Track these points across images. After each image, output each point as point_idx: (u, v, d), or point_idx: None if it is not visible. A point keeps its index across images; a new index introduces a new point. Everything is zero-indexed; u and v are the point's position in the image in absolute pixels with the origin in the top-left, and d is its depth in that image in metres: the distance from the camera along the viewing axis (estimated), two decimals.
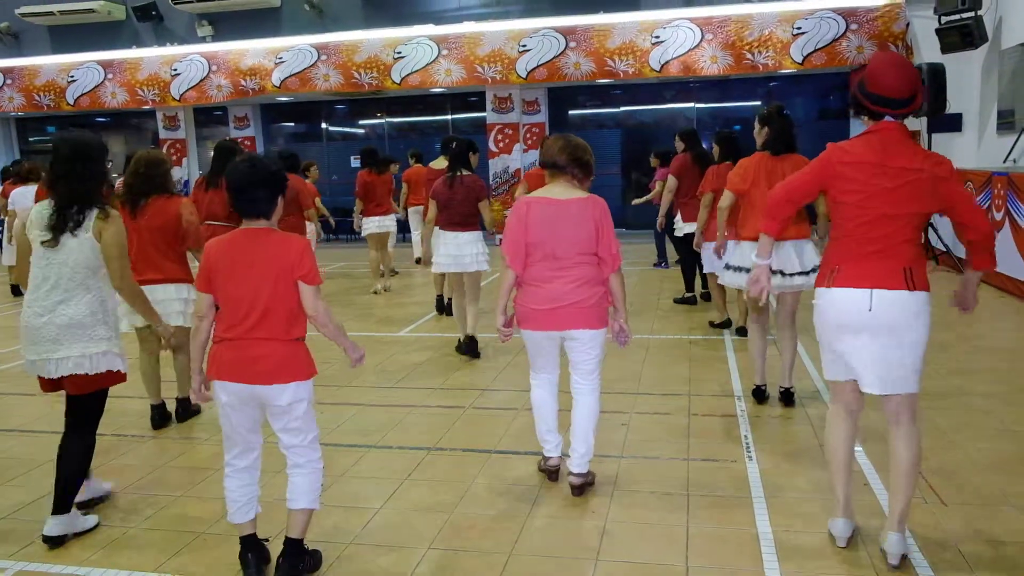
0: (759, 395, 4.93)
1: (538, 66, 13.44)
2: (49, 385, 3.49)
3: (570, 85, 14.79)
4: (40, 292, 3.41)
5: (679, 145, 8.21)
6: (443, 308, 8.20)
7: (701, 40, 12.76)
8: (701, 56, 12.80)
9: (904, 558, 2.96)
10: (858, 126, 13.21)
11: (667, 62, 12.94)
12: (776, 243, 3.73)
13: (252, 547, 3.03)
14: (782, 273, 4.57)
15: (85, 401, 3.51)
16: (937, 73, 9.67)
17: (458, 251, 6.47)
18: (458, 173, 6.41)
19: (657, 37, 12.97)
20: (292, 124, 18.43)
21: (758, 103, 15.75)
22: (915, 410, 2.97)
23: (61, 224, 3.38)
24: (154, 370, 4.98)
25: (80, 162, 3.43)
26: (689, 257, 8.04)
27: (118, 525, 3.57)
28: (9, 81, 15.48)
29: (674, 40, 12.88)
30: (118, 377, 3.54)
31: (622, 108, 16.44)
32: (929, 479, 3.66)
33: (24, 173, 9.64)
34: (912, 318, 2.88)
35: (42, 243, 3.39)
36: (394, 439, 4.54)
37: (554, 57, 13.33)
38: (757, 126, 4.94)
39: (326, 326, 2.98)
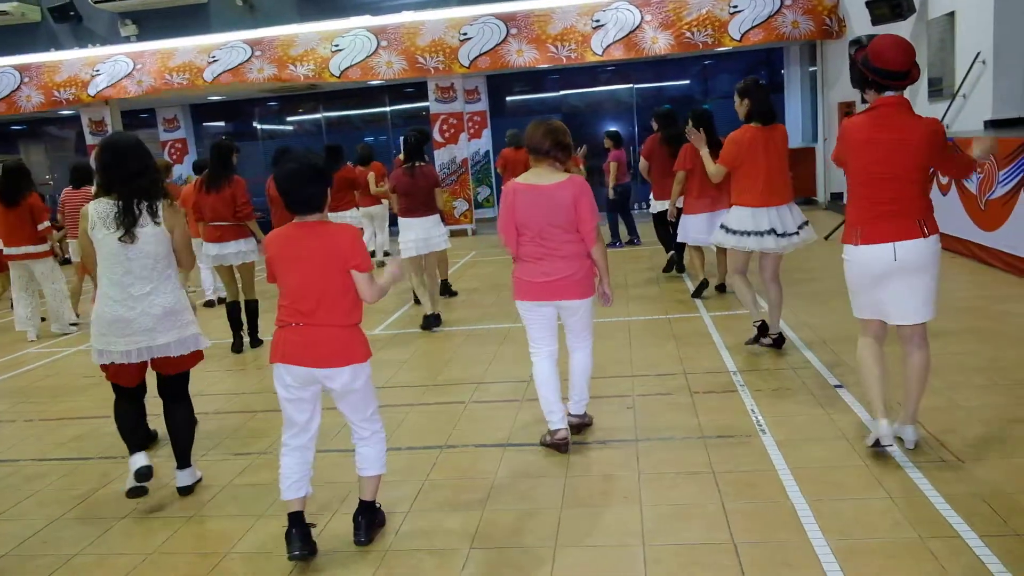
0: (764, 330, 5.49)
1: (480, 54, 13.35)
2: (133, 375, 3.83)
3: (508, 72, 14.78)
4: (124, 286, 3.67)
5: (654, 125, 8.57)
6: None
7: (641, 21, 12.87)
8: (642, 38, 12.91)
9: (917, 444, 3.68)
10: (791, 101, 13.52)
11: (609, 45, 13.01)
12: (777, 208, 5.21)
13: (298, 524, 3.19)
14: (776, 232, 5.19)
15: (176, 380, 3.91)
16: None
17: (425, 234, 7.07)
18: (416, 163, 7.02)
19: (597, 21, 13.03)
20: (223, 123, 17.94)
21: (692, 82, 16.04)
22: (926, 332, 3.62)
23: (131, 219, 3.63)
24: None
25: (134, 160, 3.70)
26: (664, 230, 8.60)
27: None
28: None
29: (615, 22, 12.96)
30: (201, 355, 3.97)
31: (561, 92, 16.49)
32: (942, 439, 3.79)
33: None
34: (929, 258, 3.49)
35: (119, 240, 3.62)
36: (402, 440, 4.47)
37: (497, 45, 13.27)
38: (737, 99, 5.33)
39: (378, 298, 3.25)
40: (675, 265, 8.70)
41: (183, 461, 3.96)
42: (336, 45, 13.58)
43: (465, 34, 13.34)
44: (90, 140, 15.47)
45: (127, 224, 3.63)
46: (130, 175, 3.67)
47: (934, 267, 3.50)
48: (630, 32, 12.90)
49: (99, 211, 3.68)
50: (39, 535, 3.65)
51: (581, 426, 4.32)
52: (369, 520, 3.31)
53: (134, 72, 14.25)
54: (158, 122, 16.88)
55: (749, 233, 5.22)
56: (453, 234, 14.24)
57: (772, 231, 5.18)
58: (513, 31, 13.22)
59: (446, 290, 8.58)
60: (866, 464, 3.61)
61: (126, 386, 3.91)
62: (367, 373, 3.22)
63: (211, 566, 3.23)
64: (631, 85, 16.21)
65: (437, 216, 7.21)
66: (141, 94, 14.33)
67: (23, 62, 14.64)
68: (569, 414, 4.23)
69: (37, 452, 4.79)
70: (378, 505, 3.39)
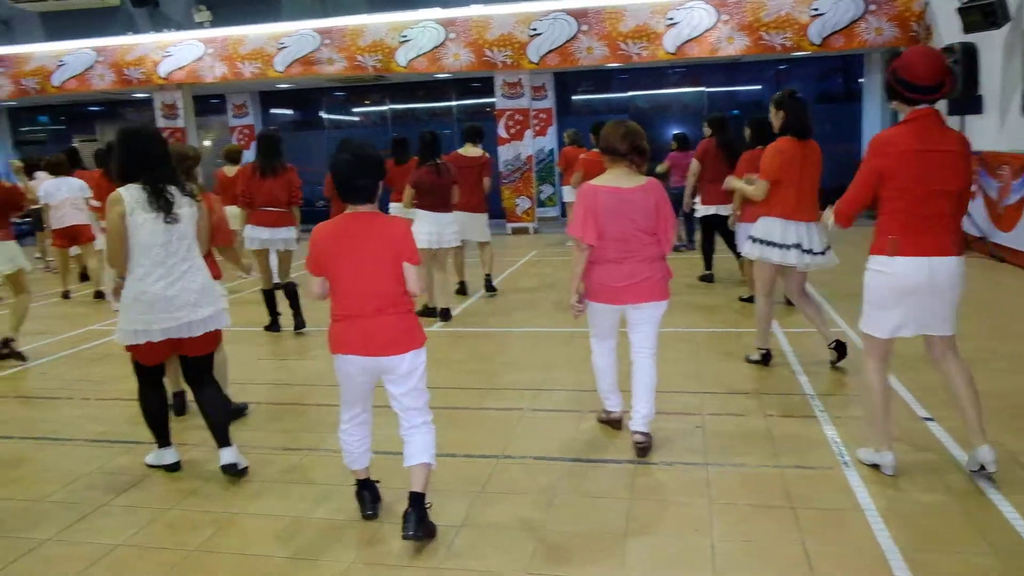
0: (767, 359, 5.46)
1: (550, 51, 13.13)
2: (161, 352, 3.91)
3: (577, 70, 14.52)
4: (166, 266, 3.78)
5: (706, 131, 8.60)
6: (465, 291, 8.61)
7: (717, 21, 12.47)
8: (717, 37, 12.52)
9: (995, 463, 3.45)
10: (870, 111, 13.07)
11: (682, 44, 12.66)
12: (807, 224, 5.12)
13: (367, 487, 3.47)
14: (801, 248, 5.09)
15: (201, 360, 4.03)
16: (970, 52, 9.47)
17: (440, 229, 7.26)
18: (438, 161, 7.24)
19: (671, 19, 12.68)
20: (291, 112, 18.06)
21: (765, 86, 15.54)
22: (955, 344, 3.58)
23: (167, 203, 3.75)
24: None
25: (156, 147, 3.85)
26: (709, 237, 8.58)
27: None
28: (1, 69, 15.02)
29: (689, 21, 12.59)
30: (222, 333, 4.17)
31: (628, 93, 16.17)
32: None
33: (52, 165, 9.38)
34: (958, 277, 3.46)
35: (165, 221, 3.74)
36: (457, 446, 4.27)
37: (566, 41, 13.03)
38: (772, 110, 5.26)
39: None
40: (708, 279, 8.67)
41: (223, 440, 4.01)
42: (404, 36, 13.50)
43: (535, 29, 13.12)
44: (161, 124, 15.68)
45: (166, 207, 3.76)
46: (156, 161, 3.81)
47: (961, 286, 3.48)
48: (705, 31, 12.52)
49: (133, 197, 3.73)
50: (83, 522, 3.55)
51: (647, 447, 4.06)
52: (420, 513, 3.22)
53: (205, 57, 14.39)
54: (228, 108, 17.05)
55: (774, 244, 5.14)
56: (515, 231, 14.28)
57: (797, 246, 5.08)
58: (584, 28, 12.96)
59: (462, 289, 8.53)
60: (965, 509, 3.29)
61: (151, 365, 4.01)
62: (424, 360, 3.28)
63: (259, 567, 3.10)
64: (701, 88, 15.79)
65: (455, 214, 7.44)
66: (213, 80, 14.46)
67: (100, 45, 14.91)
68: (635, 432, 4.09)
69: (91, 432, 4.73)
70: (428, 505, 3.29)
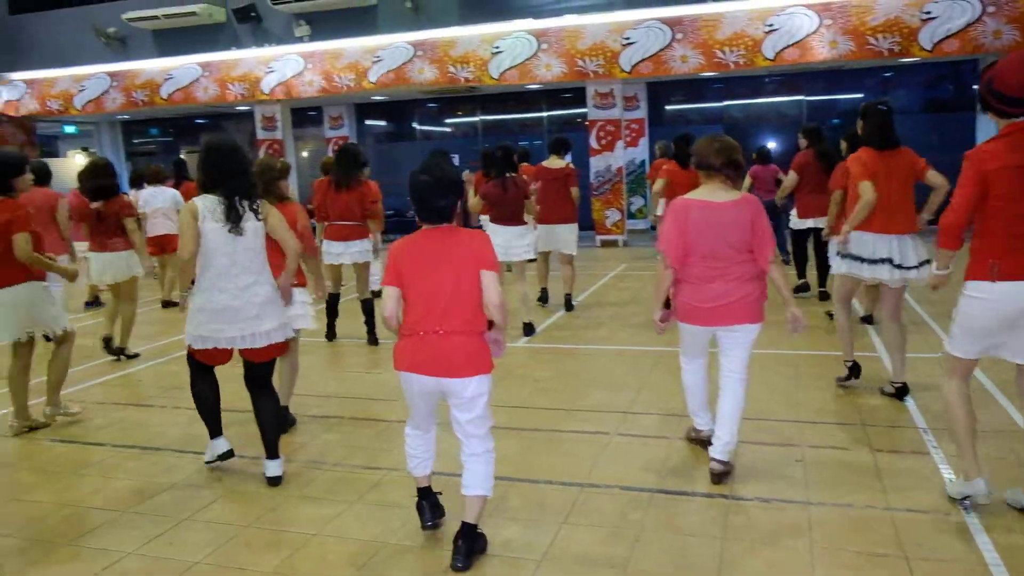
0: (856, 370, 5.23)
1: (643, 59, 12.88)
2: (224, 357, 4.10)
3: (671, 79, 14.21)
4: (230, 276, 3.92)
5: (802, 142, 8.33)
6: (546, 299, 8.62)
7: (819, 25, 11.97)
8: (819, 42, 12.02)
9: None
10: (986, 119, 12.30)
11: (781, 50, 12.20)
12: (899, 236, 4.78)
13: (427, 496, 3.41)
14: (892, 263, 4.77)
15: (264, 367, 4.14)
16: None
17: (508, 243, 7.18)
18: (507, 175, 7.16)
19: (771, 25, 12.24)
20: (384, 123, 18.33)
21: (868, 95, 14.82)
22: None
23: (237, 215, 3.90)
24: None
25: (235, 161, 4.00)
26: (801, 250, 8.38)
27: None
28: (115, 83, 15.78)
29: (789, 27, 12.13)
30: (287, 343, 4.28)
31: (723, 103, 15.72)
32: None
33: (151, 175, 9.79)
34: None
35: (229, 231, 3.88)
36: (538, 471, 4.12)
37: (660, 50, 12.75)
38: (859, 120, 5.05)
39: (501, 310, 3.13)
40: (802, 288, 8.52)
41: (272, 452, 4.13)
42: (496, 47, 13.50)
43: (628, 38, 12.89)
44: (261, 135, 16.18)
45: (234, 218, 3.89)
46: (233, 174, 3.95)
47: None
48: (806, 36, 12.03)
49: (207, 206, 3.91)
50: (166, 536, 3.56)
51: (724, 475, 3.89)
52: (470, 545, 3.17)
53: (305, 72, 14.75)
54: (324, 120, 17.44)
55: (863, 260, 4.87)
56: (603, 244, 14.06)
57: (888, 260, 4.79)
58: (679, 36, 12.66)
59: (543, 297, 8.61)
60: None
61: (213, 364, 4.18)
62: (490, 386, 3.19)
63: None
64: (800, 97, 15.19)
65: (526, 228, 7.36)
66: (312, 94, 14.79)
67: (206, 60, 15.49)
68: (712, 459, 3.92)
69: (179, 442, 4.79)
70: (479, 530, 3.25)
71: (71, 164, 16.29)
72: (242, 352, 4.06)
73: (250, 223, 3.95)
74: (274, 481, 4.06)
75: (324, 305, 7.10)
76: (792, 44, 12.15)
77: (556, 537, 3.40)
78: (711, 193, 3.84)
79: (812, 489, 3.75)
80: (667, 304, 4.05)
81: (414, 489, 3.67)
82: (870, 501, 3.59)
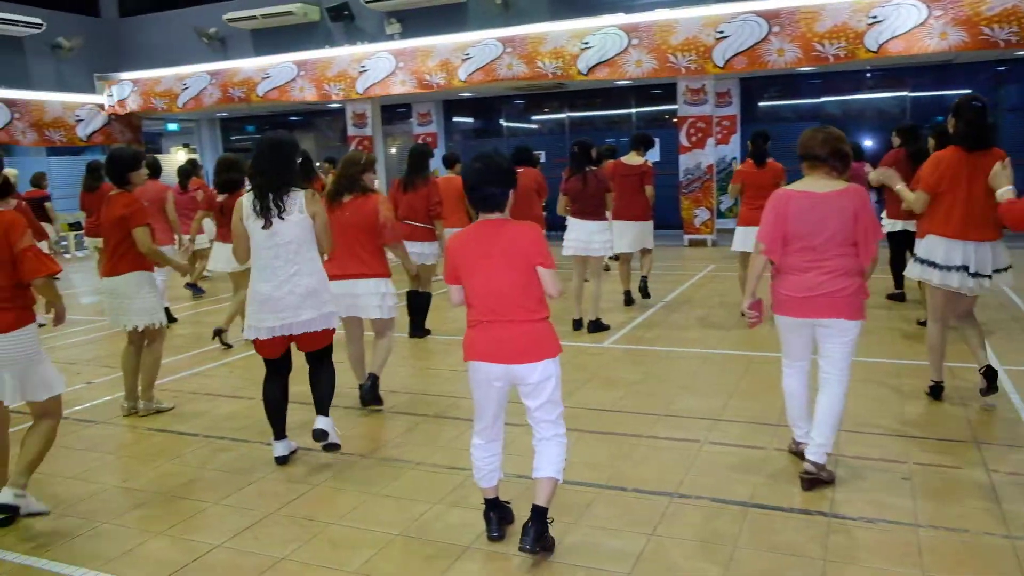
0: (936, 392, 4.95)
1: (736, 54, 12.48)
2: (277, 348, 4.24)
3: (765, 75, 13.75)
4: (272, 268, 4.08)
5: (895, 141, 7.99)
6: (630, 301, 8.45)
7: (928, 16, 11.34)
8: (927, 34, 11.39)
9: None
10: None
11: (885, 42, 11.62)
12: (977, 244, 4.55)
13: (495, 507, 3.36)
14: (967, 271, 4.56)
15: (317, 352, 4.36)
16: None
17: (587, 237, 7.13)
18: (587, 169, 7.10)
19: (875, 17, 11.66)
20: (472, 120, 18.40)
21: (980, 91, 13.98)
22: None
23: (266, 209, 4.03)
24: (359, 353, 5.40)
25: (276, 156, 4.10)
26: (898, 253, 8.03)
27: None
28: (214, 81, 16.31)
29: (895, 18, 11.53)
30: (333, 331, 4.36)
31: (820, 99, 15.14)
32: None
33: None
34: None
35: (262, 228, 4.04)
36: (627, 478, 3.99)
37: (756, 44, 12.32)
38: (950, 118, 4.74)
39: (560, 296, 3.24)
40: (898, 298, 8.17)
41: (322, 409, 4.36)
42: (586, 43, 13.32)
43: (722, 32, 12.51)
44: (352, 132, 16.47)
45: (265, 214, 4.03)
46: (266, 171, 4.08)
47: None
48: (913, 27, 11.42)
49: (248, 202, 4.12)
50: (251, 530, 3.59)
51: (816, 481, 3.74)
52: (540, 529, 3.15)
53: (397, 71, 14.89)
54: (413, 116, 17.63)
55: (936, 265, 4.66)
56: (692, 244, 13.73)
57: (963, 268, 4.58)
58: (775, 29, 12.21)
59: (627, 299, 8.48)
60: None
61: (272, 358, 4.33)
62: (558, 371, 3.18)
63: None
64: (904, 92, 14.49)
65: (605, 223, 7.24)
66: (405, 92, 14.94)
67: (301, 58, 15.85)
68: (805, 459, 3.80)
69: (267, 434, 4.85)
70: (550, 520, 3.22)
71: (173, 160, 16.97)
72: (295, 341, 4.25)
73: (291, 217, 4.05)
74: (319, 434, 4.28)
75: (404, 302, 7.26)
76: (897, 36, 11.56)
77: (644, 549, 3.27)
78: (814, 183, 3.73)
79: (922, 510, 3.50)
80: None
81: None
82: (988, 527, 3.32)
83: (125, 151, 5.35)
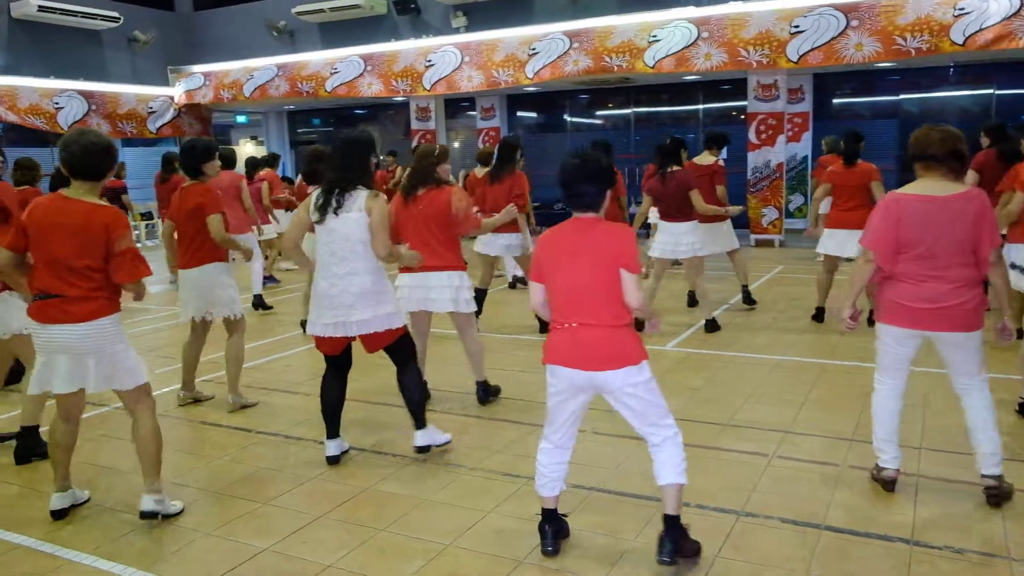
0: None
1: (812, 49, 12.02)
2: (336, 346, 4.19)
3: (840, 70, 13.24)
4: (330, 266, 4.06)
5: (984, 141, 7.57)
6: (695, 302, 8.05)
7: (1021, 7, 10.73)
8: (1020, 27, 10.77)
9: None
10: None
11: (973, 34, 11.04)
12: None
13: (551, 520, 3.24)
14: None
15: (394, 351, 4.25)
16: None
17: (675, 239, 6.99)
18: (669, 169, 6.89)
19: (962, 9, 11.09)
20: (535, 115, 18.23)
21: None
22: None
23: (325, 206, 4.02)
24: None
25: (350, 155, 4.10)
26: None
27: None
28: (280, 73, 16.48)
29: (984, 10, 10.94)
30: (399, 331, 4.22)
31: (899, 96, 14.50)
32: None
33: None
34: None
35: (316, 223, 4.05)
36: (689, 493, 3.71)
37: (832, 38, 11.84)
38: None
39: (642, 313, 3.09)
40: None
41: (419, 421, 4.29)
42: (654, 36, 13.00)
43: (797, 26, 12.06)
44: (415, 125, 16.46)
45: (322, 210, 4.02)
46: (337, 167, 4.10)
47: None
48: (1004, 19, 10.82)
49: (313, 198, 4.12)
50: (300, 533, 3.50)
51: (1000, 495, 3.52)
52: (674, 539, 3.03)
53: (463, 66, 14.79)
54: (476, 110, 17.55)
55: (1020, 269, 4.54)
56: (758, 244, 13.31)
57: None
58: (854, 23, 11.71)
59: (747, 298, 8.16)
60: None
61: (331, 355, 4.27)
62: (646, 375, 3.02)
63: None
64: (989, 90, 13.77)
65: (693, 223, 7.03)
66: (472, 89, 14.84)
67: (367, 52, 15.90)
68: (984, 475, 3.56)
69: (321, 432, 4.78)
70: (686, 525, 3.10)
71: (242, 152, 17.24)
72: (362, 344, 4.19)
73: (349, 215, 4.00)
74: (421, 451, 4.27)
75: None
76: (985, 28, 10.97)
77: (710, 572, 3.07)
78: (930, 187, 3.50)
79: (1016, 541, 3.21)
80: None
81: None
82: None
83: (199, 142, 5.36)
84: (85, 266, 3.43)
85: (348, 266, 4.04)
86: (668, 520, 3.04)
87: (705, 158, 7.98)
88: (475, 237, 6.95)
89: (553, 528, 3.22)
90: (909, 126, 13.94)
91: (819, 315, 7.34)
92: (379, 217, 4.06)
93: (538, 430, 4.62)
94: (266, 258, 10.63)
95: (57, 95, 15.55)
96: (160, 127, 17.38)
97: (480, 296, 7.24)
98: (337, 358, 4.30)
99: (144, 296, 3.78)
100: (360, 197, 4.04)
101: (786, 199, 13.65)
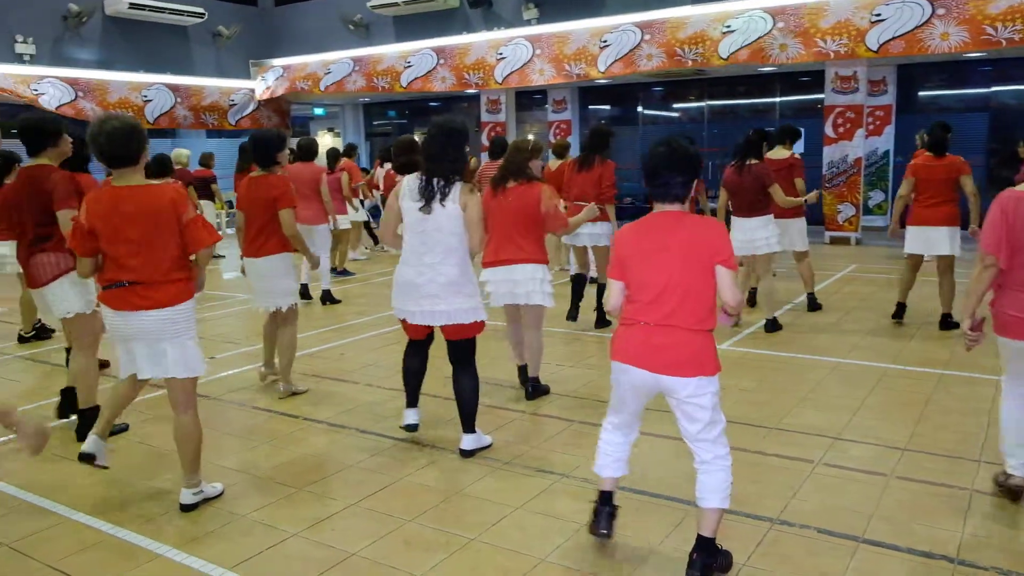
0: None
1: (893, 38, 11.52)
2: (420, 331, 4.29)
3: (926, 60, 12.65)
4: (418, 254, 4.08)
5: None
6: (755, 302, 7.85)
7: None
8: None
9: None
10: None
11: None
12: None
13: (607, 503, 3.18)
14: None
15: (462, 344, 4.24)
16: None
17: (749, 236, 6.80)
18: (748, 162, 6.73)
19: None
20: (608, 107, 18.05)
21: None
22: None
23: (430, 194, 4.00)
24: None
25: (449, 143, 4.07)
26: None
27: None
28: (356, 68, 16.77)
29: None
30: (481, 326, 4.23)
31: (991, 88, 13.76)
32: None
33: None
34: None
35: (419, 210, 4.03)
36: None
37: (916, 27, 11.33)
38: None
39: (737, 310, 3.00)
40: None
41: (467, 426, 4.29)
42: (728, 26, 12.68)
43: (878, 15, 11.57)
44: (485, 118, 16.52)
45: (427, 197, 4.00)
46: (434, 156, 4.06)
47: None
48: None
49: (410, 184, 4.11)
50: (329, 521, 3.56)
51: None
52: (706, 560, 2.93)
53: (535, 59, 14.75)
54: (548, 102, 17.48)
55: None
56: (833, 241, 12.87)
57: None
58: (940, 11, 11.16)
59: (813, 305, 7.86)
60: None
61: (415, 339, 4.38)
62: (715, 388, 2.91)
63: None
64: None
65: (767, 218, 6.85)
66: (544, 83, 14.79)
67: (439, 44, 16.02)
68: None
69: (362, 422, 4.86)
70: (721, 546, 3.02)
71: (321, 143, 17.63)
72: (442, 331, 4.21)
73: (447, 205, 4.01)
74: (466, 455, 4.25)
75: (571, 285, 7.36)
76: None
77: None
78: None
79: None
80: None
81: (583, 501, 3.45)
82: None
83: (269, 132, 5.49)
84: (164, 250, 3.47)
85: (439, 256, 4.06)
86: (702, 541, 2.95)
87: (779, 152, 7.72)
88: None
89: (609, 510, 3.17)
90: (1001, 120, 13.33)
91: (899, 312, 7.02)
92: (475, 213, 4.08)
93: (577, 426, 4.66)
94: (334, 250, 10.82)
95: (146, 88, 16.21)
96: (239, 119, 17.91)
97: (579, 281, 7.26)
98: (420, 341, 4.40)
99: (203, 288, 3.86)
100: (456, 189, 4.05)
101: (864, 195, 13.16)
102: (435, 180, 4.03)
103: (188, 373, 3.63)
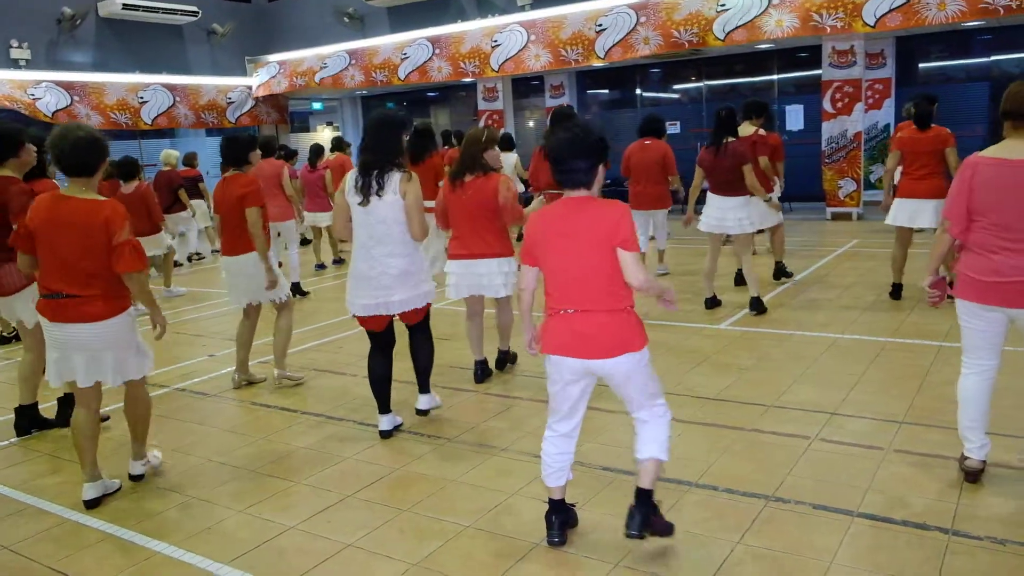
0: None
1: (890, 10, 11.41)
2: (380, 322, 4.32)
3: (924, 31, 12.52)
4: (367, 248, 4.14)
5: None
6: (783, 272, 8.11)
7: None
8: None
9: None
10: None
11: None
12: None
13: (558, 510, 3.15)
14: None
15: (416, 323, 4.46)
16: None
17: (721, 214, 6.72)
18: (725, 140, 6.60)
19: None
20: (607, 91, 17.97)
21: None
22: None
23: (367, 188, 4.07)
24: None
25: (383, 135, 4.13)
26: None
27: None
28: (352, 61, 16.73)
29: None
30: (429, 305, 4.43)
31: (991, 57, 13.62)
32: None
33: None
34: None
35: (359, 204, 4.10)
36: (720, 476, 3.69)
37: None
38: None
39: (649, 292, 2.95)
40: None
41: (423, 386, 4.57)
42: (722, 5, 12.59)
43: None
44: (482, 106, 16.46)
45: (364, 191, 4.07)
46: (368, 148, 4.14)
47: None
48: None
49: (352, 179, 4.16)
50: (326, 513, 3.58)
51: None
52: (644, 513, 2.97)
53: (530, 45, 14.68)
54: (545, 88, 17.41)
55: None
56: (835, 217, 12.81)
57: None
58: None
59: (780, 272, 8.13)
60: None
61: (374, 330, 4.38)
62: (645, 359, 2.92)
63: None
64: None
65: (743, 199, 6.69)
66: (540, 69, 14.72)
67: (434, 34, 15.96)
68: None
69: (356, 414, 4.87)
70: (657, 501, 3.04)
71: (320, 137, 17.64)
72: (399, 315, 4.33)
73: (385, 196, 4.07)
74: (421, 413, 4.57)
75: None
76: None
77: (727, 559, 2.99)
78: (1011, 148, 3.25)
79: None
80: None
81: (578, 487, 3.46)
82: None
83: (241, 135, 5.54)
84: (93, 266, 3.53)
85: (386, 248, 4.12)
86: (640, 494, 2.98)
87: (746, 128, 7.52)
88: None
89: (560, 519, 3.15)
90: (1003, 89, 13.14)
91: (896, 292, 6.97)
92: (414, 200, 4.11)
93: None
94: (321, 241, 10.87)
95: (143, 89, 16.21)
96: (239, 117, 17.91)
97: None
98: (381, 335, 4.41)
99: (164, 327, 3.78)
100: (395, 179, 4.09)
101: (866, 169, 13.07)
102: (372, 172, 4.09)
103: (123, 379, 3.76)
